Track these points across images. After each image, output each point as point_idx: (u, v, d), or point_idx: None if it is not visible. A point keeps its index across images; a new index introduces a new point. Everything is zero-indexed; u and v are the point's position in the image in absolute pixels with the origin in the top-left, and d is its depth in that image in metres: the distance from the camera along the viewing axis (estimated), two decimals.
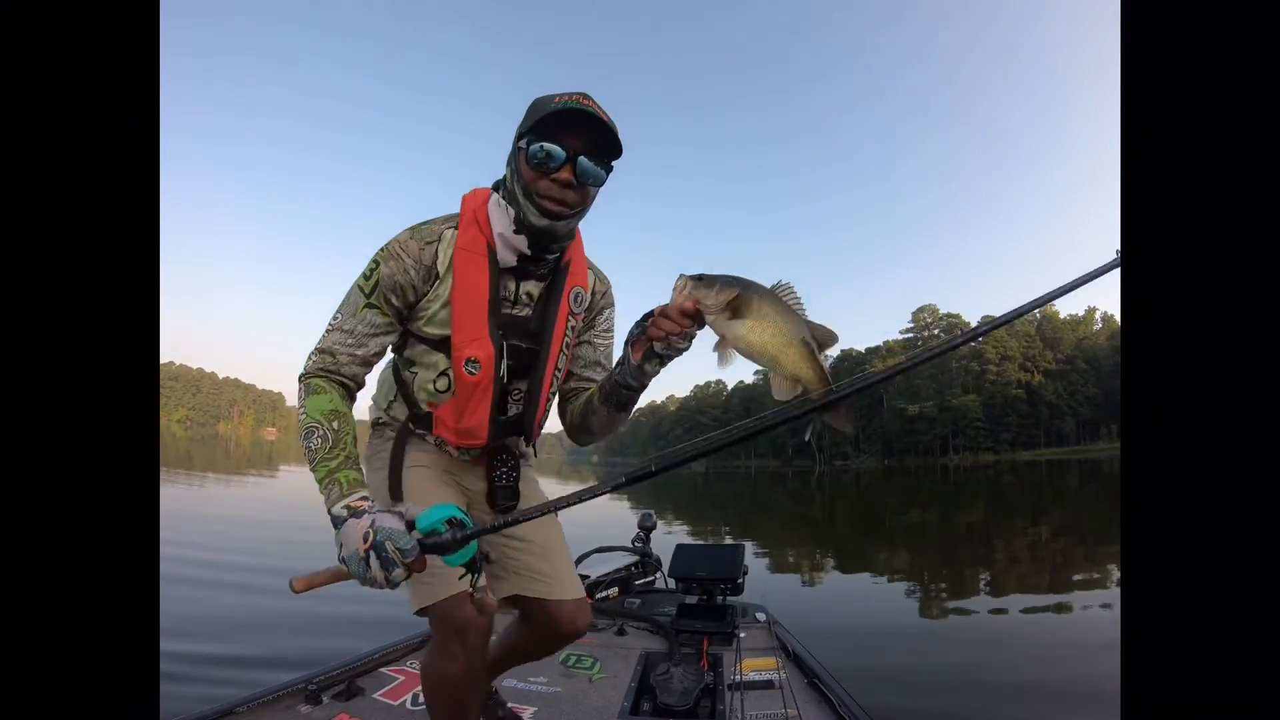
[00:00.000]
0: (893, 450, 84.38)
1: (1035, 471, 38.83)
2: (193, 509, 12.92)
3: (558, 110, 1.14)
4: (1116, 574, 6.90)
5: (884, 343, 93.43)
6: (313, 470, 1.12)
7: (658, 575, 3.70)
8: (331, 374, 1.23)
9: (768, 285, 0.99)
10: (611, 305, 1.50)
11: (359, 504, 1.07)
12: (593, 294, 1.42)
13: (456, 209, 1.30)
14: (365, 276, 1.22)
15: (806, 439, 1.33)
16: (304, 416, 1.17)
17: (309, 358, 1.24)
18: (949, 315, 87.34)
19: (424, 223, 1.26)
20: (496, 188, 1.28)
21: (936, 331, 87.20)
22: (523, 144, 1.17)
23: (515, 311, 1.31)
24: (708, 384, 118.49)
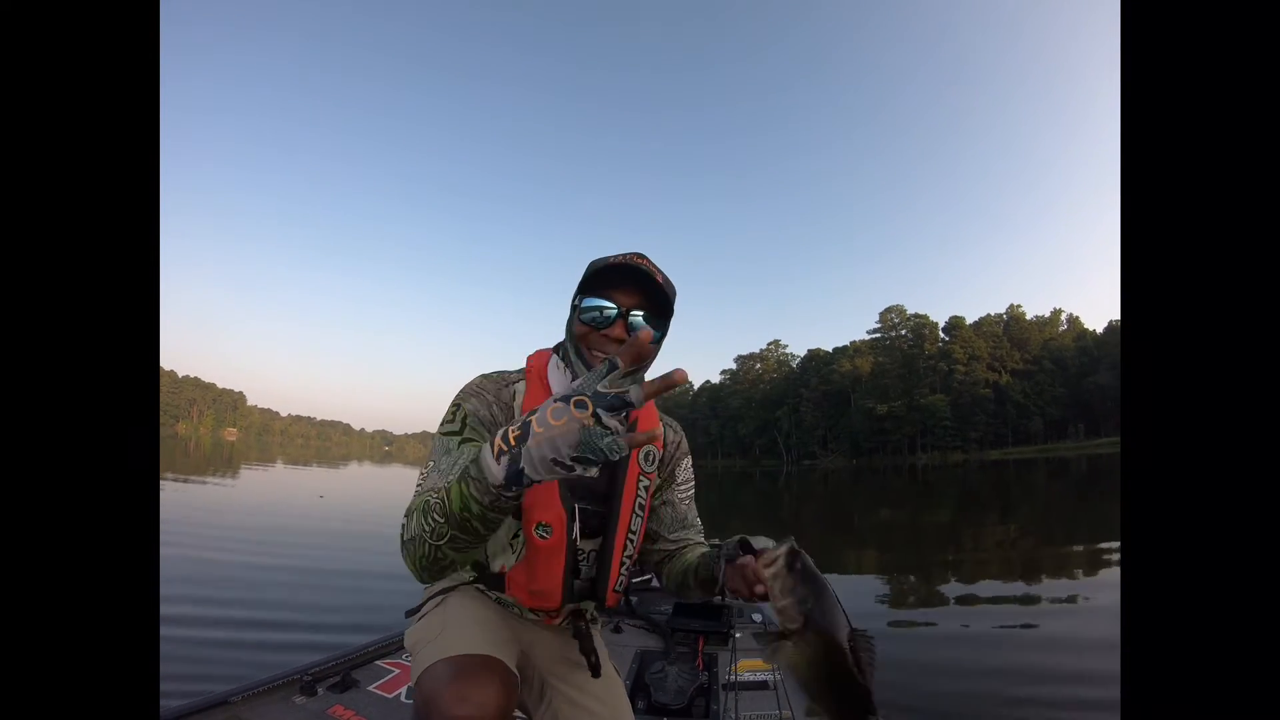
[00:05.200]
0: (861, 450, 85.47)
1: (1004, 470, 39.69)
2: (186, 499, 12.73)
3: (610, 267, 1.14)
4: (1084, 568, 7.12)
5: (850, 343, 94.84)
6: (462, 512, 0.91)
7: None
8: None
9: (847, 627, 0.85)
10: (687, 454, 1.43)
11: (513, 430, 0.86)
12: (664, 446, 1.37)
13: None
14: (449, 420, 1.16)
15: None
16: (420, 536, 0.96)
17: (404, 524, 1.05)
18: (917, 315, 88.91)
19: (493, 372, 1.27)
20: (558, 349, 1.28)
21: (904, 332, 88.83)
22: (576, 301, 1.18)
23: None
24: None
